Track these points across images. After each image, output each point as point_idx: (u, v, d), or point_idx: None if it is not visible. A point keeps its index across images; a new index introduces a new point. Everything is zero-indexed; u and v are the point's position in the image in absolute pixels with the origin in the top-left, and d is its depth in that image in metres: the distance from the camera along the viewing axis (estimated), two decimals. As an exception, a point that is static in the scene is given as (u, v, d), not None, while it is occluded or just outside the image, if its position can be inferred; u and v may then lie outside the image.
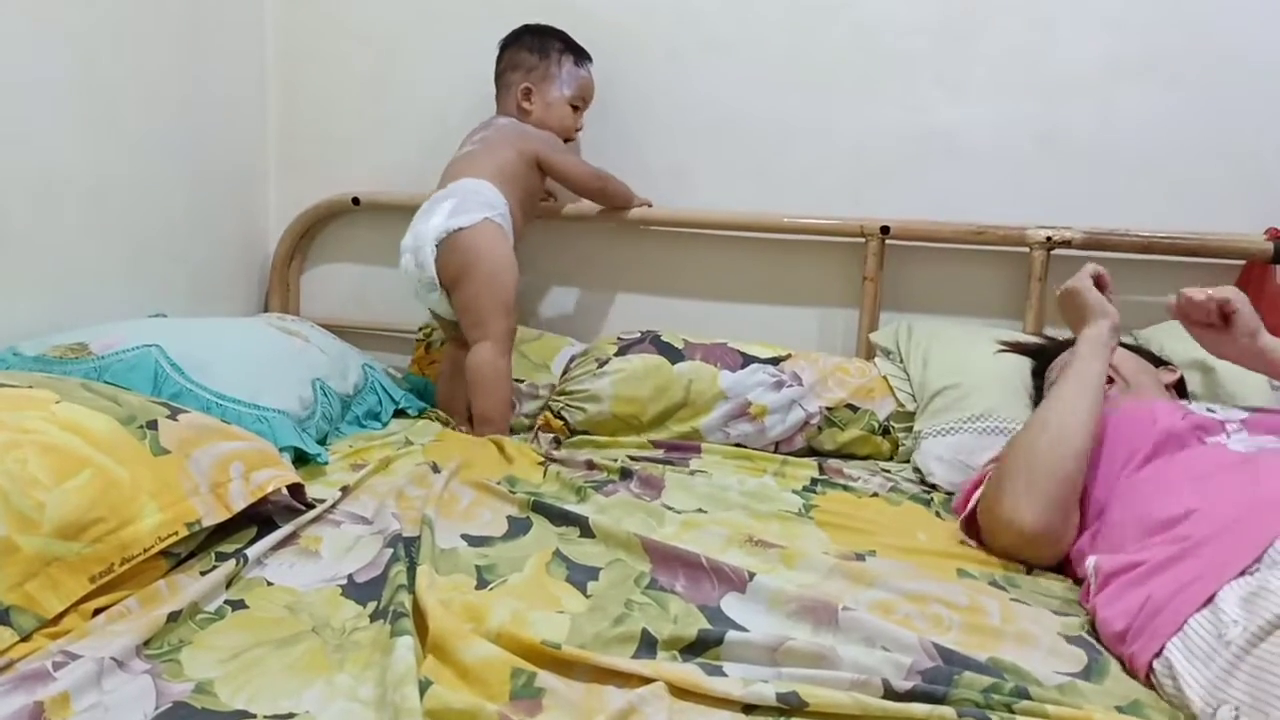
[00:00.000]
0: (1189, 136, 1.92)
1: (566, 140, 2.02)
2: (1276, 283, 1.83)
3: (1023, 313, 1.95)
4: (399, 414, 1.93)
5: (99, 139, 1.81)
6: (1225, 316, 1.39)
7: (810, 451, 1.83)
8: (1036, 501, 1.25)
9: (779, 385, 1.83)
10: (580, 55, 2.00)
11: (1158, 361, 1.59)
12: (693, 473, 1.63)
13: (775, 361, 1.88)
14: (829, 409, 1.82)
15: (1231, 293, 1.38)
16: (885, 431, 1.82)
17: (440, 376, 2.03)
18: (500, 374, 1.83)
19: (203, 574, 1.10)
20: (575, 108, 2.00)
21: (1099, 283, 1.48)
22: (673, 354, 1.89)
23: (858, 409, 1.83)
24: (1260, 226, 1.86)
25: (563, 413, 1.89)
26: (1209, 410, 1.32)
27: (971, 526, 1.36)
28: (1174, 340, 1.67)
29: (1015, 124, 1.99)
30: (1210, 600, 0.95)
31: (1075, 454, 1.27)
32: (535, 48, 1.98)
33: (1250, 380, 1.60)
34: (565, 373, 1.96)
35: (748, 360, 1.88)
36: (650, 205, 2.08)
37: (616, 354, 1.92)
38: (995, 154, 2.00)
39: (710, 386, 1.84)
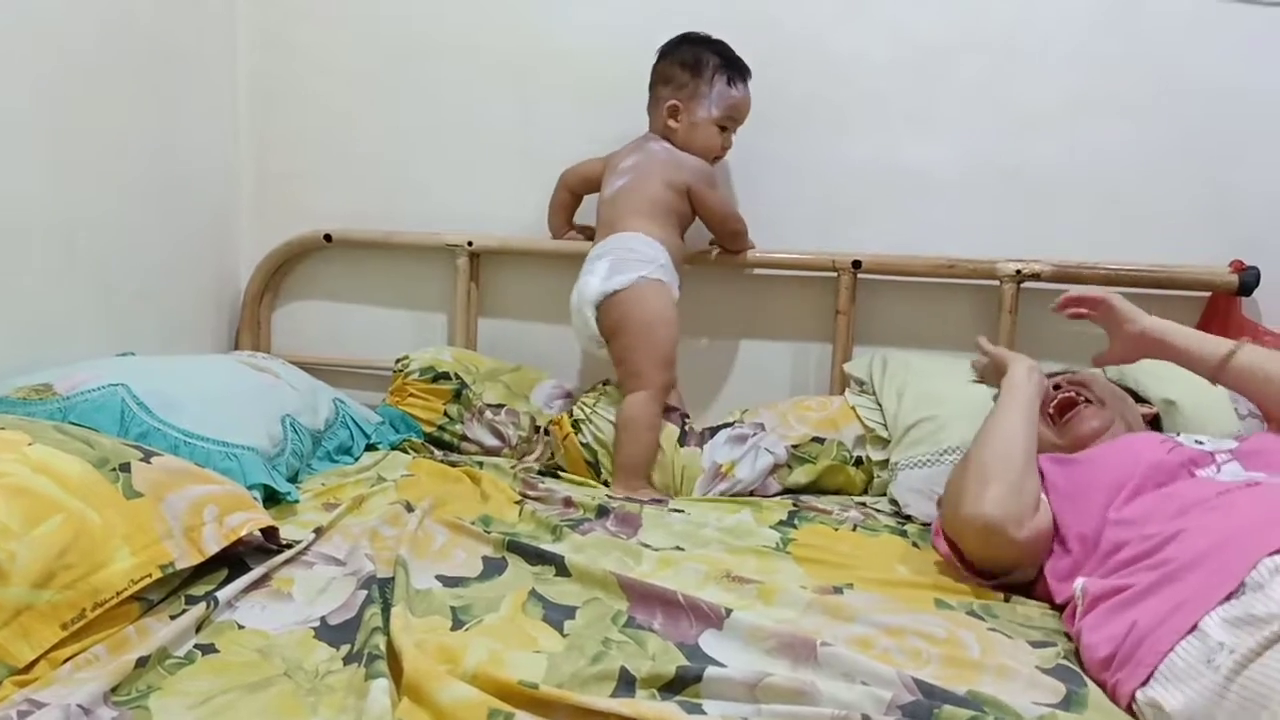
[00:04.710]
0: (1153, 170, 1.96)
1: (713, 160, 1.97)
2: (1242, 315, 1.86)
3: (994, 345, 1.96)
4: (370, 448, 1.91)
5: (67, 178, 1.78)
6: (1097, 307, 1.52)
7: (785, 492, 1.80)
8: (992, 490, 1.27)
9: (742, 439, 1.82)
10: (735, 73, 1.92)
11: (1137, 399, 1.60)
12: (670, 511, 1.63)
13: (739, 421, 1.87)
14: (795, 446, 1.81)
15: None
16: (858, 462, 1.81)
17: None
18: (650, 424, 1.81)
19: (173, 618, 1.08)
20: (723, 128, 1.94)
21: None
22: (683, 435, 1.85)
23: (824, 440, 1.81)
24: (1224, 259, 1.89)
25: (581, 425, 1.86)
26: (1198, 443, 1.33)
27: (953, 549, 1.36)
28: (1145, 377, 1.69)
29: (983, 159, 2.02)
30: (1195, 627, 0.95)
31: (1023, 451, 1.32)
32: (689, 63, 1.91)
33: (1213, 414, 1.62)
34: (598, 392, 1.92)
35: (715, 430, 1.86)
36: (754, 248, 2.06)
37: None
38: (964, 189, 2.03)
39: (694, 465, 1.81)
